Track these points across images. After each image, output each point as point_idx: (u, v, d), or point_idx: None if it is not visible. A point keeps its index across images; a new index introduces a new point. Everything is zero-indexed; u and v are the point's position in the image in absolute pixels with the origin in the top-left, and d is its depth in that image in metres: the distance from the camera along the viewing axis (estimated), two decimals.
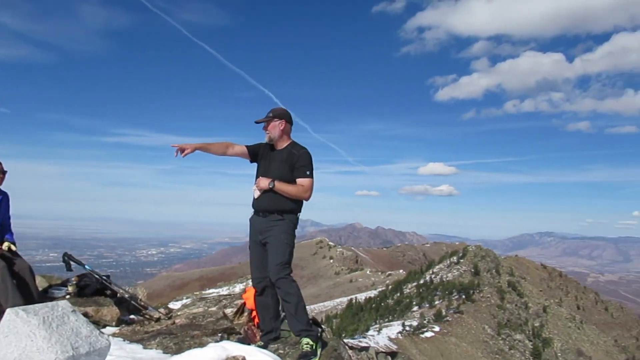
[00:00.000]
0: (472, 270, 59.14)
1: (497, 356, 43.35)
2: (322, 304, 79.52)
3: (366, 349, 5.41)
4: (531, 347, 47.42)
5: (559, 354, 51.81)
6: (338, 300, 78.21)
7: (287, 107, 4.96)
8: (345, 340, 7.79)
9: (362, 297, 65.54)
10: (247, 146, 4.87)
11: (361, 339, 36.16)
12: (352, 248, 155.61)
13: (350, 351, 4.73)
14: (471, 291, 52.26)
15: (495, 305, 51.70)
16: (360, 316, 51.93)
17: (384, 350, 6.51)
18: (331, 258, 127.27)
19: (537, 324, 54.77)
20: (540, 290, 79.79)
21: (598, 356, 58.90)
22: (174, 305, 8.37)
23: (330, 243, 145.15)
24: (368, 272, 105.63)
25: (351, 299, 61.00)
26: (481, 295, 52.83)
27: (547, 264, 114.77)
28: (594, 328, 73.81)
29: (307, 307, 4.49)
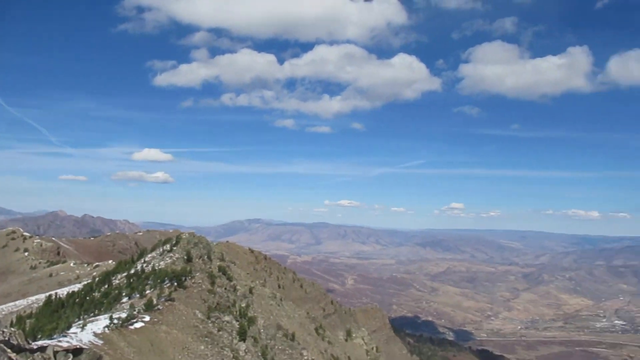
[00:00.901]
0: (185, 257, 59.55)
1: (206, 338, 44.74)
2: (13, 303, 69.78)
3: (42, 349, 4.75)
4: (238, 326, 50.50)
5: (262, 330, 56.59)
6: (34, 297, 69.71)
7: None
8: (29, 341, 6.76)
9: (64, 292, 59.56)
10: None
11: (61, 338, 32.66)
12: (54, 239, 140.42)
13: (13, 355, 4.06)
14: (183, 278, 52.54)
15: (206, 290, 53.15)
16: (60, 313, 46.87)
17: (67, 348, 5.85)
18: (26, 250, 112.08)
19: (243, 305, 58.48)
20: (248, 273, 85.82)
21: (294, 328, 66.57)
22: None
23: (25, 234, 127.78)
24: (72, 264, 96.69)
25: (50, 295, 54.60)
26: (193, 281, 53.63)
27: (254, 248, 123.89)
28: (291, 304, 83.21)
29: None
